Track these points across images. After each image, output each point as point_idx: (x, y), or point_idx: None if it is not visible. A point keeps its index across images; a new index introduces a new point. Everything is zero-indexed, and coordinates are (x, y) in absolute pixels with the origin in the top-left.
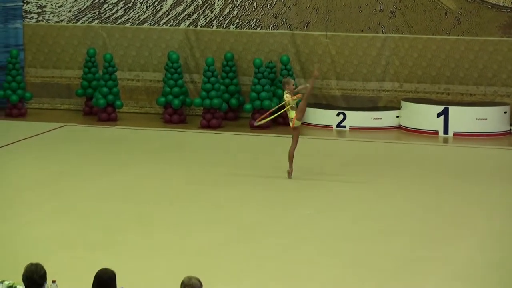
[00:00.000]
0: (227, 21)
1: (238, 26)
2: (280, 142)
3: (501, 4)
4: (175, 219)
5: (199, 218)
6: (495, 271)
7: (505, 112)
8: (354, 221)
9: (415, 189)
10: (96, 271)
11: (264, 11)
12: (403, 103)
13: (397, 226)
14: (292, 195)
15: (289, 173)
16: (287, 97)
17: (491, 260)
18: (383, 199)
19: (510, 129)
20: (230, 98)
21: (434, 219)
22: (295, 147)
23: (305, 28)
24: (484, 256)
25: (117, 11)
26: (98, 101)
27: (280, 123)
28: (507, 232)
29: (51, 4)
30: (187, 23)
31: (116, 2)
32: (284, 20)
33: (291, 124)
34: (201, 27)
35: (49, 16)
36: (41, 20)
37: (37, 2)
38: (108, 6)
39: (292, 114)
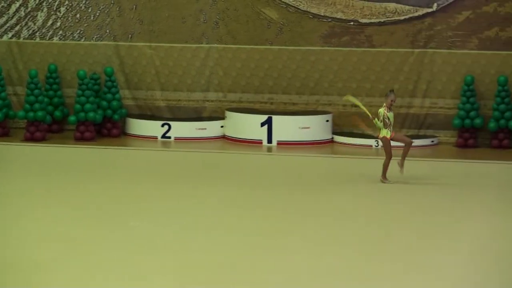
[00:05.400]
0: (50, 32)
1: (61, 37)
2: (106, 154)
3: (322, 14)
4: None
5: (29, 233)
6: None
7: (327, 121)
8: (182, 231)
9: (243, 198)
10: None
11: (87, 23)
12: (228, 113)
13: (221, 238)
14: (123, 206)
15: (385, 179)
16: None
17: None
18: (209, 211)
19: (333, 137)
20: (54, 110)
21: (257, 227)
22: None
23: (129, 39)
24: (324, 264)
25: None
26: None
27: (105, 134)
28: (335, 238)
29: None
30: (10, 35)
31: None
32: (108, 31)
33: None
34: (24, 39)
35: None
36: None
37: None
38: None
39: (383, 131)
